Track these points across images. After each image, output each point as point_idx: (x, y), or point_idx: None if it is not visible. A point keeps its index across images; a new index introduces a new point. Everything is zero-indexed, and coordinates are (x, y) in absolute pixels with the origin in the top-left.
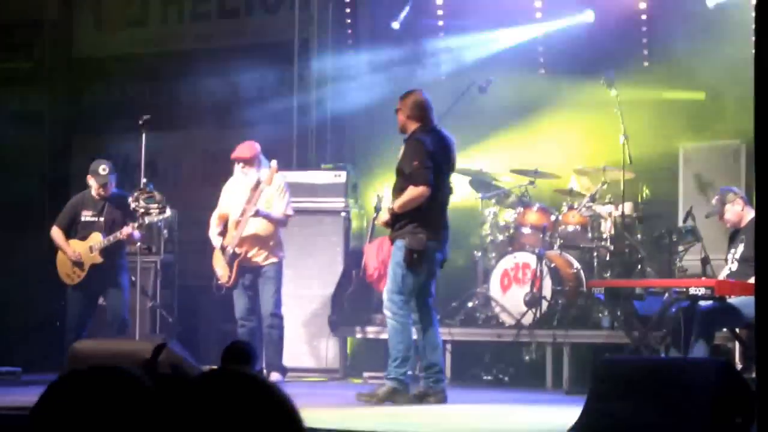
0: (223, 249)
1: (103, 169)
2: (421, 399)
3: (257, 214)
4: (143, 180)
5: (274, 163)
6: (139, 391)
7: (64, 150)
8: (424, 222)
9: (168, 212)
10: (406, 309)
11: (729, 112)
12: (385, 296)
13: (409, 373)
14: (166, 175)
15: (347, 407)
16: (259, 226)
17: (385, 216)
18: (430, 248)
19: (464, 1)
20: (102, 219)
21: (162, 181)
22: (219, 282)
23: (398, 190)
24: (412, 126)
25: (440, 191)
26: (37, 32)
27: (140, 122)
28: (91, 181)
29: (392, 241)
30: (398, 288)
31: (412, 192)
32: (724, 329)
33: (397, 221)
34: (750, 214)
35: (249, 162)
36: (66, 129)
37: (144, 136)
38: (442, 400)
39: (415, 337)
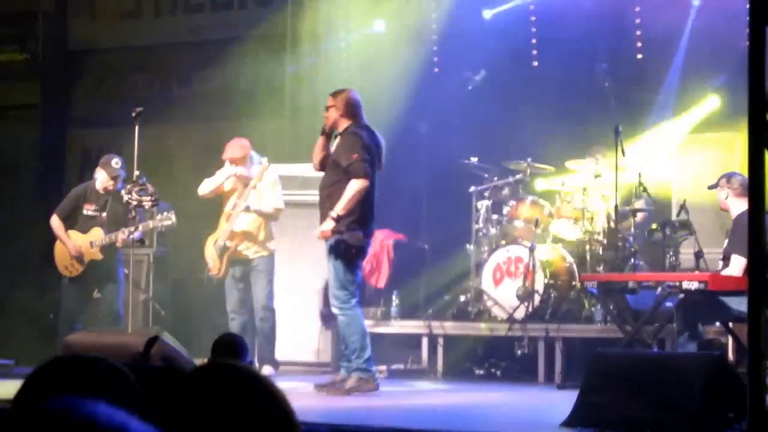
0: (216, 240)
1: (116, 162)
2: (326, 386)
3: (248, 209)
4: (136, 172)
5: (265, 160)
6: (123, 382)
7: (57, 142)
8: (359, 217)
9: (173, 219)
10: (352, 301)
11: (724, 103)
12: (329, 291)
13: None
14: (159, 168)
15: (338, 401)
16: (250, 220)
17: (329, 225)
18: (364, 242)
19: None
20: (104, 214)
21: (155, 174)
22: (210, 273)
23: (329, 185)
24: (344, 123)
25: (373, 186)
26: (31, 24)
27: (133, 114)
28: (101, 173)
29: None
30: (341, 283)
31: (354, 186)
32: (717, 323)
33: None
34: (735, 208)
35: (240, 161)
36: (59, 121)
37: (137, 128)
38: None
39: None
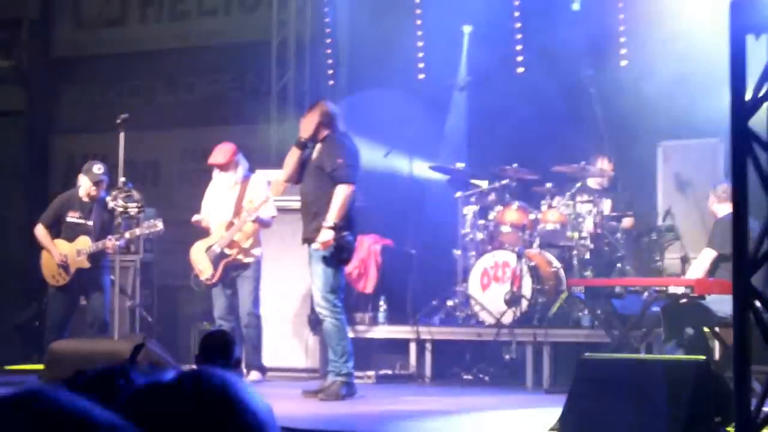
0: (209, 246)
1: (98, 168)
2: (316, 393)
3: (257, 220)
4: (122, 179)
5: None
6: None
7: (42, 149)
8: (348, 221)
9: (160, 226)
10: (340, 306)
11: (708, 109)
12: (316, 297)
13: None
14: (145, 175)
15: (325, 407)
16: (247, 228)
17: (328, 235)
18: (353, 246)
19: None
20: (90, 222)
21: (141, 181)
22: (199, 278)
23: (313, 191)
24: (323, 132)
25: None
26: (16, 31)
27: (118, 121)
28: (83, 180)
29: (311, 241)
30: (330, 287)
31: (342, 192)
32: (704, 327)
33: (316, 219)
34: (720, 213)
35: (224, 167)
36: (45, 128)
37: (122, 135)
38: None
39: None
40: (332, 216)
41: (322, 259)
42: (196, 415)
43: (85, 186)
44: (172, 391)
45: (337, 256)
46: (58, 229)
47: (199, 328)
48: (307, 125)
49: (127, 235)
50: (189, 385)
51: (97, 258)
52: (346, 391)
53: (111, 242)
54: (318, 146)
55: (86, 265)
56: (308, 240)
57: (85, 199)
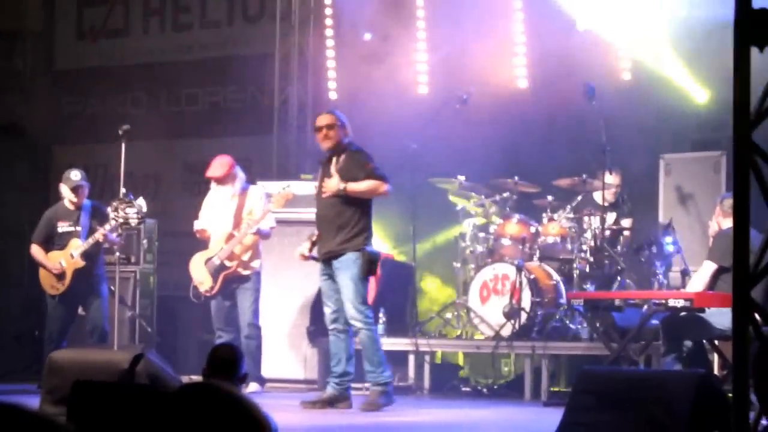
0: (208, 258)
1: (74, 174)
2: (331, 403)
3: (258, 232)
4: (122, 190)
5: (287, 187)
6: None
7: (44, 160)
8: (371, 233)
9: (144, 207)
10: (372, 317)
11: (710, 122)
12: (349, 310)
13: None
14: (146, 186)
15: (323, 418)
16: (247, 240)
17: (334, 185)
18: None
19: (444, 12)
20: (79, 228)
21: (141, 192)
22: (199, 290)
23: (337, 203)
24: (345, 140)
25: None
26: (19, 42)
27: (120, 132)
28: (64, 189)
29: (337, 254)
30: (362, 298)
31: (377, 184)
32: (704, 340)
33: (341, 232)
34: (723, 227)
35: (222, 180)
36: (46, 139)
37: (124, 146)
38: (349, 405)
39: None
40: (354, 186)
41: (354, 268)
42: (201, 428)
43: (66, 194)
44: (177, 403)
45: (365, 268)
46: (51, 242)
47: (199, 339)
48: (332, 135)
49: (112, 221)
50: (195, 398)
51: (92, 261)
52: (384, 400)
53: (101, 232)
54: (336, 159)
55: (81, 263)
56: (331, 253)
57: (71, 207)
